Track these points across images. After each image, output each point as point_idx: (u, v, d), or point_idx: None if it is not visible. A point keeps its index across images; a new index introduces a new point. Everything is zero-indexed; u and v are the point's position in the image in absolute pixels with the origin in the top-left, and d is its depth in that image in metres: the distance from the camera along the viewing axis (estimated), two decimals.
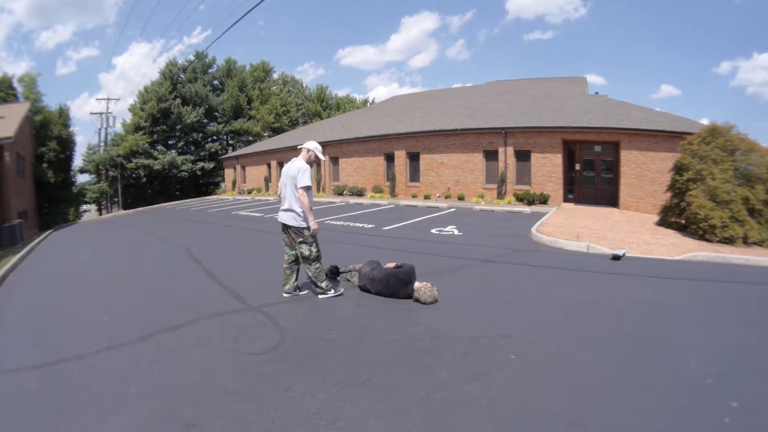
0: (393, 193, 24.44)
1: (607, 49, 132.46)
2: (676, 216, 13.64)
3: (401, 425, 2.99)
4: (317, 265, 5.79)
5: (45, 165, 31.51)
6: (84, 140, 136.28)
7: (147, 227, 16.98)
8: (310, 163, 5.78)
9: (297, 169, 5.56)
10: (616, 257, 8.52)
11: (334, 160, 28.63)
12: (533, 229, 11.80)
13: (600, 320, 5.08)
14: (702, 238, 11.51)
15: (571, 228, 12.38)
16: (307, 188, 5.54)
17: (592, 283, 6.95)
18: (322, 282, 5.84)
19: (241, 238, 12.37)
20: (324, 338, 4.52)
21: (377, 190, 25.09)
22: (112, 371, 3.98)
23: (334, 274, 6.75)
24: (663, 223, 14.13)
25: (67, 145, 34.52)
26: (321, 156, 5.89)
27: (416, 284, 5.74)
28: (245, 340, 4.55)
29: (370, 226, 13.54)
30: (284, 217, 5.71)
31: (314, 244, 5.73)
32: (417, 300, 5.63)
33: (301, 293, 6.11)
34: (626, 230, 12.60)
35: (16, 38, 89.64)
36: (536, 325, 4.89)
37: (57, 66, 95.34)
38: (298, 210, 5.58)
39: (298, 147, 6.06)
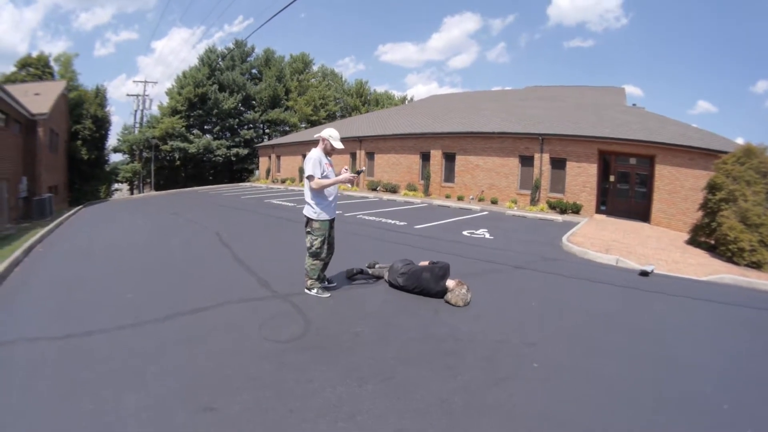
0: (427, 192, 24.50)
1: (647, 61, 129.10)
2: (707, 236, 13.43)
3: (419, 425, 3.05)
4: (314, 261, 5.77)
5: (79, 142, 32.43)
6: (120, 120, 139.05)
7: (178, 209, 17.28)
8: (327, 152, 5.75)
9: (306, 160, 5.63)
10: (644, 273, 8.49)
11: (370, 156, 28.86)
12: (564, 239, 11.81)
13: (624, 335, 5.10)
14: (730, 260, 11.35)
15: (601, 240, 12.33)
16: (309, 178, 5.54)
17: (618, 297, 6.93)
18: (311, 278, 5.83)
19: (272, 226, 12.61)
20: (349, 332, 4.67)
21: (411, 188, 25.19)
22: (134, 348, 4.07)
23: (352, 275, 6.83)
24: (693, 242, 13.93)
25: (102, 124, 35.47)
26: (337, 144, 5.71)
27: (450, 282, 5.84)
28: (270, 327, 4.72)
29: (402, 223, 13.70)
30: (305, 209, 5.77)
31: (319, 239, 5.68)
32: (447, 302, 5.72)
33: (330, 285, 6.23)
34: (656, 246, 12.45)
35: (54, 18, 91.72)
36: (561, 335, 4.98)
37: (95, 47, 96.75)
38: (311, 201, 5.63)
39: (315, 137, 6.08)
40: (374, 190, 26.78)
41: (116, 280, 6.48)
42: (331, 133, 5.69)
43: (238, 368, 3.76)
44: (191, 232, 11.25)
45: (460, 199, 22.73)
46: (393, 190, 25.90)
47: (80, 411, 3.08)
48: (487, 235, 12.23)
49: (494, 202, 21.85)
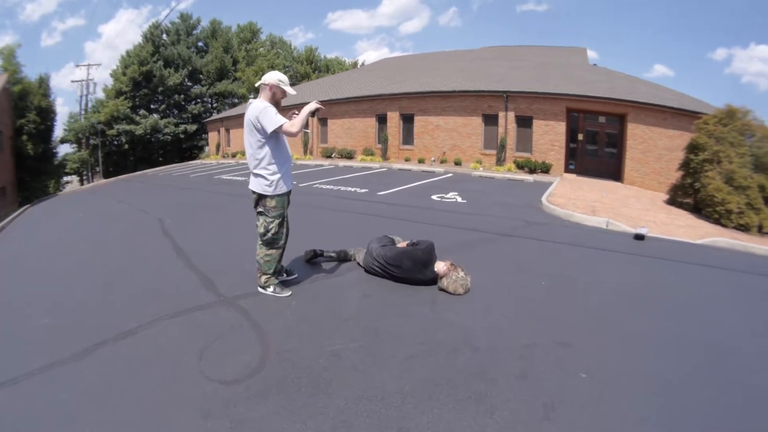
0: (385, 156, 23.20)
1: (602, 23, 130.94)
2: (688, 196, 13.19)
3: None
4: (270, 251, 4.25)
5: (25, 137, 30.36)
6: (69, 110, 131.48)
7: (124, 196, 15.30)
8: (276, 102, 4.18)
9: (254, 113, 3.98)
10: (639, 237, 7.77)
11: (323, 121, 27.11)
12: (544, 200, 10.85)
13: (659, 317, 4.22)
14: (717, 222, 11.15)
15: (582, 201, 11.42)
16: (280, 128, 3.97)
17: (626, 266, 6.06)
18: (265, 273, 4.32)
19: (221, 204, 11.17)
20: (323, 353, 3.22)
21: (368, 152, 23.79)
22: (38, 413, 2.63)
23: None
24: (673, 202, 13.66)
25: (47, 115, 33.40)
26: (289, 89, 4.19)
27: (440, 266, 4.49)
28: (215, 355, 3.22)
29: (363, 190, 12.37)
30: (251, 183, 4.21)
31: (275, 222, 4.18)
32: (444, 290, 4.40)
33: (289, 278, 4.73)
34: (638, 207, 11.83)
35: (1, 12, 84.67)
36: (590, 324, 3.94)
37: (42, 37, 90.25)
38: (262, 170, 4.08)
39: (256, 85, 4.39)
40: (329, 157, 25.15)
41: (35, 298, 4.69)
42: (280, 78, 4.15)
43: None
44: (132, 221, 9.41)
45: (421, 161, 21.54)
46: (349, 156, 24.38)
47: None
48: (459, 199, 11.11)
49: (458, 163, 20.71)
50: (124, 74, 41.76)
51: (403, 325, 3.69)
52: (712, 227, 10.50)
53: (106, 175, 38.49)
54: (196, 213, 9.96)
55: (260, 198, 4.17)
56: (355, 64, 60.98)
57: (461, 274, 4.38)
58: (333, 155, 25.04)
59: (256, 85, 4.29)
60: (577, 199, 11.57)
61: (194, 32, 50.42)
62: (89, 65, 42.29)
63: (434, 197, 11.27)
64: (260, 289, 4.35)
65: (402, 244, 4.97)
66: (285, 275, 4.69)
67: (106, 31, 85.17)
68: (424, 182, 14.64)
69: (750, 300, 5.11)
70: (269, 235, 4.18)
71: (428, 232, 7.10)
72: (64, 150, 42.28)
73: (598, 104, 18.45)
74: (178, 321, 3.80)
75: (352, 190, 12.55)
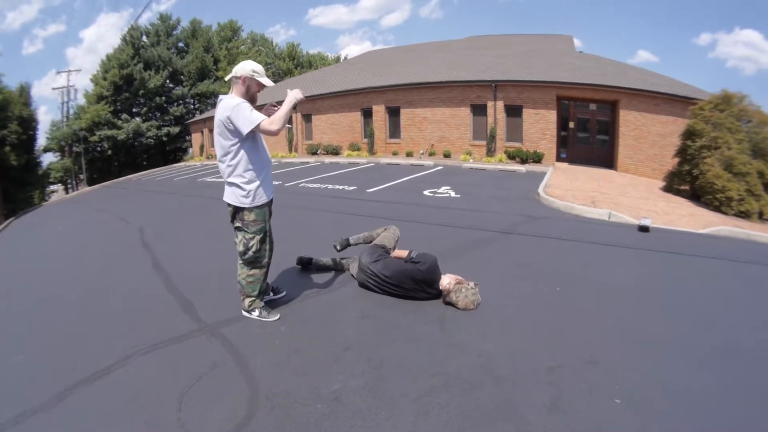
0: (372, 151, 22.63)
1: (584, 11, 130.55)
2: (685, 183, 13.02)
3: None
4: (252, 271, 3.65)
5: (8, 149, 29.29)
6: (53, 118, 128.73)
7: (106, 204, 14.53)
8: (251, 97, 3.55)
9: (225, 112, 3.32)
10: (644, 228, 7.41)
11: (307, 118, 26.50)
12: (541, 192, 10.44)
13: (688, 324, 3.80)
14: (717, 209, 10.97)
15: (580, 191, 11.03)
16: (257, 127, 3.33)
17: (636, 263, 5.66)
18: (249, 296, 3.73)
19: (204, 209, 10.50)
20: (322, 395, 2.68)
21: (354, 147, 23.21)
22: None
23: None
24: (670, 189, 13.44)
25: (29, 124, 32.52)
26: (266, 81, 3.57)
27: (446, 281, 3.95)
28: (195, 402, 2.66)
29: (351, 188, 11.86)
30: (226, 194, 3.56)
31: (257, 238, 3.56)
32: (450, 304, 3.92)
33: (276, 296, 4.17)
34: (637, 196, 11.52)
35: None
36: (615, 335, 3.52)
37: (24, 46, 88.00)
38: (237, 179, 3.45)
39: (227, 79, 3.72)
40: (314, 154, 24.48)
41: (8, 329, 4.13)
42: (254, 68, 3.50)
43: None
44: (112, 233, 8.72)
45: (409, 155, 21.03)
46: (335, 152, 23.76)
47: None
48: (453, 194, 10.66)
49: (447, 155, 20.24)
50: (105, 78, 40.87)
51: (411, 353, 3.18)
52: (713, 215, 10.26)
53: (91, 182, 37.63)
54: (178, 220, 9.38)
55: (237, 211, 3.54)
56: (338, 59, 60.20)
57: (471, 290, 3.86)
58: (318, 152, 24.42)
59: (227, 78, 3.66)
60: (574, 190, 11.17)
61: (174, 32, 49.26)
62: (69, 71, 41.76)
63: (426, 193, 10.82)
64: (245, 313, 3.78)
65: (397, 253, 4.36)
66: (272, 294, 4.13)
67: (87, 36, 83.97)
68: (414, 176, 14.16)
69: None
70: (250, 253, 3.56)
71: (423, 233, 6.70)
72: (48, 159, 42.02)
73: (589, 91, 18.11)
74: (155, 357, 3.26)
75: (340, 188, 12.05)
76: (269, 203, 3.67)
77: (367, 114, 23.60)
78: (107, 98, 40.59)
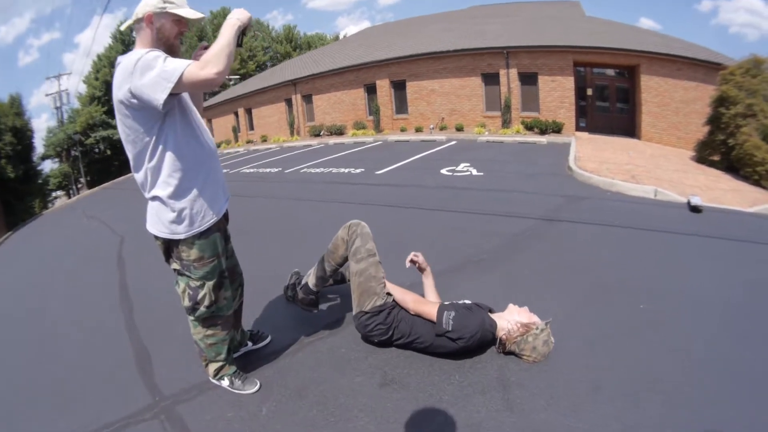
0: (378, 129, 21.56)
1: None
2: (718, 153, 12.07)
3: None
4: (213, 331, 2.44)
5: (4, 161, 28.89)
6: (53, 125, 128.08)
7: (98, 208, 13.45)
8: (168, 47, 2.14)
9: (123, 78, 1.94)
10: (696, 209, 6.38)
11: (307, 98, 25.34)
12: (573, 165, 9.37)
13: None
14: (757, 183, 10.06)
15: (614, 164, 10.00)
16: (174, 103, 2.08)
17: (722, 263, 4.25)
18: (213, 361, 2.54)
19: None
20: None
21: (359, 126, 22.09)
22: None
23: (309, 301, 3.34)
24: (701, 160, 12.49)
25: (24, 134, 31.87)
26: (187, 12, 2.14)
27: (505, 326, 2.65)
28: None
29: (359, 170, 10.83)
30: (148, 220, 2.29)
31: (209, 284, 2.31)
32: (511, 353, 2.69)
33: (257, 345, 3.02)
34: (672, 168, 10.50)
35: None
36: (738, 390, 2.35)
37: (19, 56, 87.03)
38: (163, 192, 2.15)
39: (122, 28, 2.26)
40: (317, 135, 23.41)
41: None
42: (157, 2, 2.08)
43: None
44: (92, 245, 7.62)
45: (418, 130, 19.89)
46: (339, 132, 22.63)
47: None
48: (474, 172, 9.61)
49: (459, 129, 19.12)
50: (97, 79, 39.94)
51: None
52: (756, 190, 9.40)
53: (91, 185, 36.98)
54: None
55: (169, 246, 2.30)
56: (336, 38, 58.64)
57: (541, 328, 2.63)
58: (322, 133, 23.35)
59: (122, 28, 2.25)
60: (607, 162, 10.15)
61: None
62: (59, 75, 40.36)
63: (444, 171, 9.81)
64: (212, 380, 2.63)
65: (419, 309, 2.78)
66: (250, 344, 2.99)
67: (82, 40, 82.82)
68: (426, 153, 13.14)
69: None
70: (202, 308, 2.32)
71: (448, 223, 5.73)
72: (48, 167, 41.58)
73: (608, 56, 16.95)
74: None
75: (346, 171, 11.05)
76: (221, 222, 2.39)
77: (371, 90, 22.46)
78: (100, 98, 39.78)
